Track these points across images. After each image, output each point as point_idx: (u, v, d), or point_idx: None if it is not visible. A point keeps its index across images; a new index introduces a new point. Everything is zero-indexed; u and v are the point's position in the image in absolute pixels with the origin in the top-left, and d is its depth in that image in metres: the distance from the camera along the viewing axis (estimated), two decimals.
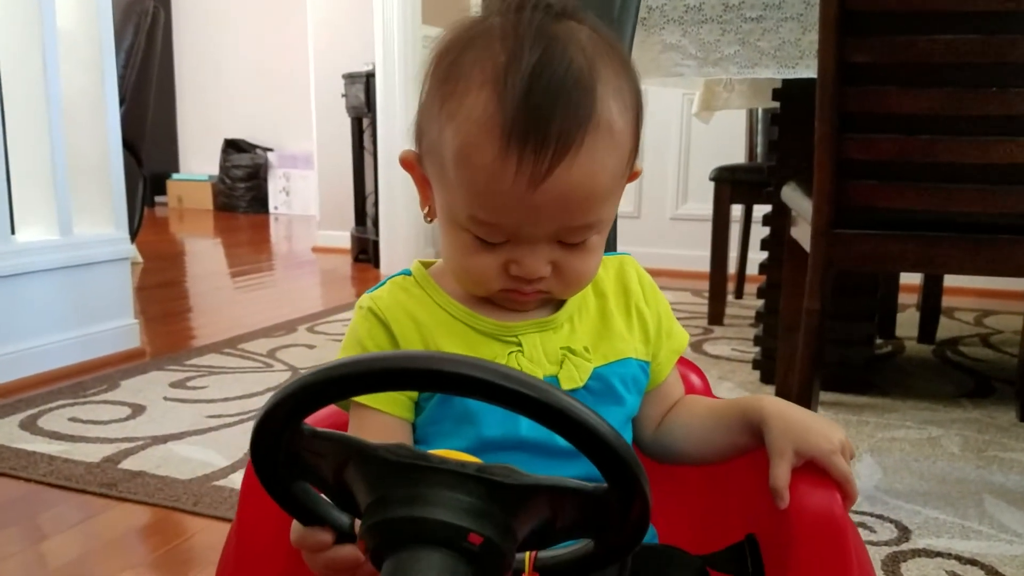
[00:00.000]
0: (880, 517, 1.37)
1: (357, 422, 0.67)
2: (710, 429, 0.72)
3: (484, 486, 0.46)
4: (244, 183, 6.70)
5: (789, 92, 1.93)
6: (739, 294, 3.17)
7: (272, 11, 6.56)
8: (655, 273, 0.81)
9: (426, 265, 0.72)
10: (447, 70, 0.60)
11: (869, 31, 1.32)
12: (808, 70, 1.55)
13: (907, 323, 2.64)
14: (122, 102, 2.41)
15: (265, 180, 6.73)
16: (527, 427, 0.63)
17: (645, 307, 0.73)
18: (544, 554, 0.51)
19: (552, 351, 0.67)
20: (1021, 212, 1.34)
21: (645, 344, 0.72)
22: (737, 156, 3.35)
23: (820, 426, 0.66)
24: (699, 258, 2.85)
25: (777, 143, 2.00)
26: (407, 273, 0.71)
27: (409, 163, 0.68)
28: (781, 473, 0.64)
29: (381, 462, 0.47)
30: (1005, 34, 1.28)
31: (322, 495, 0.52)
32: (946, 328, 2.65)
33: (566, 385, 0.66)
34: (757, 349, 2.14)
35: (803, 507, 0.63)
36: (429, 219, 0.68)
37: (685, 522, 0.80)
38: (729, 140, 3.49)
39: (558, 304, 0.69)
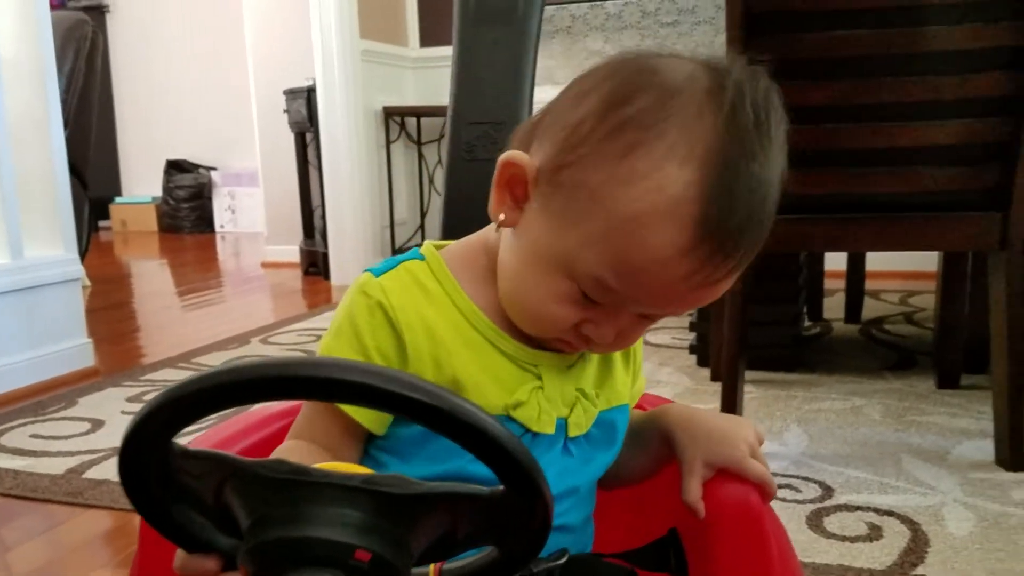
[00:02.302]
0: (805, 479, 1.48)
1: (310, 410, 0.63)
2: (632, 450, 0.70)
3: (371, 498, 0.43)
4: (188, 203, 6.68)
5: None
6: None
7: (209, 30, 6.57)
8: None
9: (438, 248, 0.66)
10: (640, 117, 0.53)
11: (772, 30, 1.44)
12: None
13: (836, 306, 2.77)
14: (65, 126, 2.45)
15: (210, 199, 6.71)
16: None
17: (638, 348, 0.72)
18: (448, 566, 0.49)
19: (568, 391, 0.64)
20: (920, 191, 1.47)
21: (632, 386, 0.71)
22: None
23: (726, 432, 0.65)
24: None
25: None
26: (419, 257, 0.65)
27: (517, 167, 0.59)
28: (691, 488, 0.63)
29: (259, 480, 0.44)
30: (895, 27, 1.40)
31: (205, 519, 0.48)
32: (872, 308, 2.80)
33: (573, 432, 0.64)
34: (693, 335, 2.26)
35: (721, 500, 0.64)
36: (499, 227, 0.61)
37: (613, 518, 0.79)
38: None
39: None
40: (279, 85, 4.22)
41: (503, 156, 0.59)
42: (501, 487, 0.45)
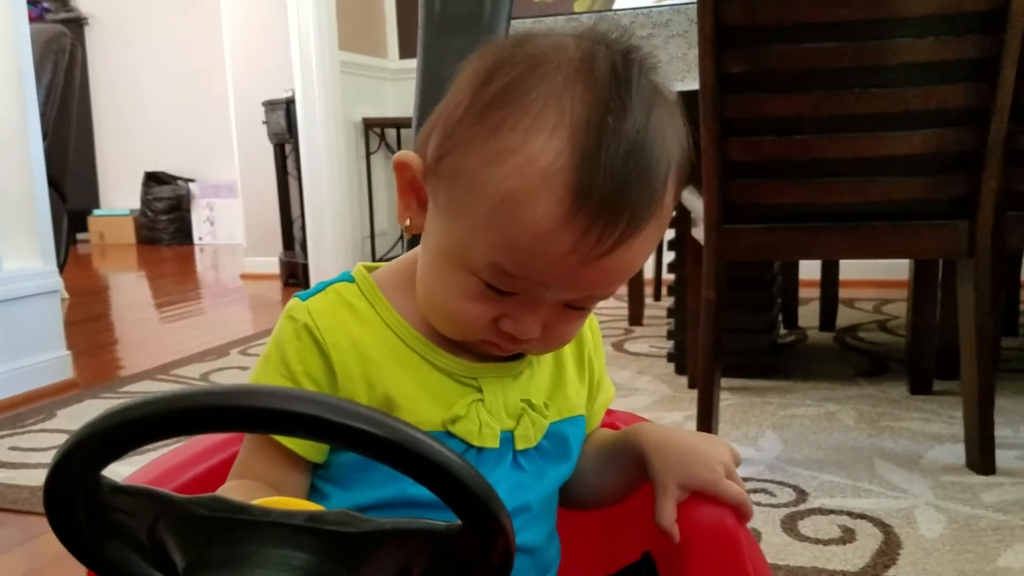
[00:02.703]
0: (780, 483, 1.50)
1: (246, 448, 0.61)
2: (602, 470, 0.69)
3: (317, 537, 0.41)
4: (166, 215, 6.66)
5: (683, 103, 2.07)
6: (657, 296, 3.32)
7: (188, 41, 6.56)
8: None
9: (369, 269, 0.65)
10: (506, 93, 0.52)
11: (743, 43, 1.46)
12: (695, 82, 1.69)
13: (811, 314, 2.80)
14: (44, 138, 2.44)
15: (188, 211, 6.69)
16: None
17: (594, 357, 0.70)
18: None
19: (512, 403, 0.62)
20: (888, 200, 1.50)
21: (589, 398, 0.69)
22: None
23: (701, 453, 0.63)
24: None
25: None
26: (349, 279, 0.63)
27: (406, 167, 0.58)
28: (666, 511, 0.62)
29: (193, 519, 0.41)
30: (862, 40, 1.43)
31: (142, 558, 0.46)
32: (846, 316, 2.83)
33: (520, 444, 0.62)
34: (671, 343, 2.28)
35: (696, 522, 0.63)
36: (408, 233, 0.61)
37: (584, 542, 0.78)
38: None
39: None
40: (258, 97, 4.23)
41: (393, 158, 0.59)
42: (458, 522, 0.42)
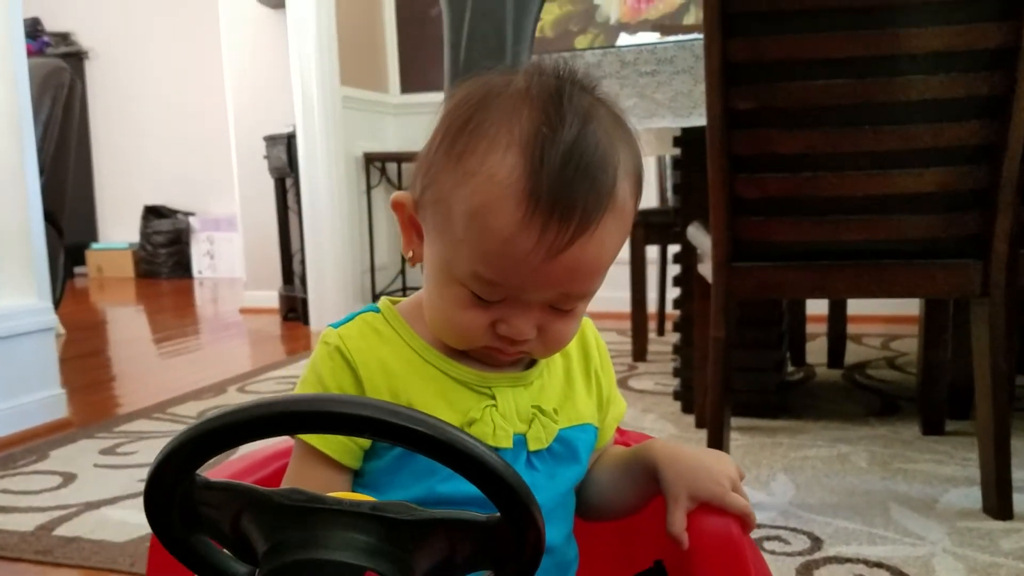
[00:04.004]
0: (794, 530, 1.46)
1: (295, 459, 0.68)
2: (618, 484, 0.75)
3: (379, 524, 0.47)
4: (166, 249, 6.64)
5: (688, 138, 2.05)
6: (660, 331, 3.29)
7: (189, 75, 6.58)
8: None
9: (393, 303, 0.72)
10: (466, 125, 0.61)
11: (750, 79, 1.44)
12: (701, 118, 1.66)
13: (819, 351, 2.77)
14: (41, 173, 2.42)
15: (187, 245, 6.68)
16: None
17: (601, 373, 0.75)
18: None
19: (524, 409, 0.68)
20: (899, 238, 1.47)
21: (598, 410, 0.75)
22: (650, 200, 3.49)
23: (709, 467, 0.69)
24: (622, 299, 2.97)
25: (680, 186, 2.11)
26: (375, 310, 0.71)
27: (401, 206, 0.67)
28: (676, 520, 0.68)
29: (275, 508, 0.48)
30: (873, 77, 1.41)
31: (223, 548, 0.52)
32: (855, 353, 2.80)
33: (533, 446, 0.68)
34: (677, 380, 2.24)
35: (704, 531, 0.68)
36: (412, 264, 0.69)
37: (600, 551, 0.83)
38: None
39: (530, 360, 0.71)
40: (259, 131, 4.22)
41: (390, 200, 0.68)
42: (497, 514, 0.48)
